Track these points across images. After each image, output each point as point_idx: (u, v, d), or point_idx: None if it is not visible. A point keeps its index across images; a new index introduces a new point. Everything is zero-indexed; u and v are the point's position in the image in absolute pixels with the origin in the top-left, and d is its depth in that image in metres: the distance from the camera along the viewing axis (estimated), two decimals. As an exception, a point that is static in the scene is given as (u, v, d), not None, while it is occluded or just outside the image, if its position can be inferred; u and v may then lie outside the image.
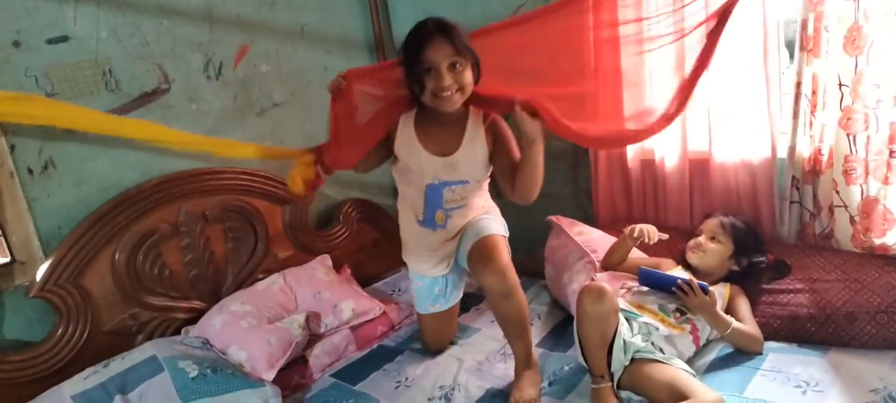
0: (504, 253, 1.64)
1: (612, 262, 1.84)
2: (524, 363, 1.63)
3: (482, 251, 1.61)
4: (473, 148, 1.62)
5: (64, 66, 1.72)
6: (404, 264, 1.90)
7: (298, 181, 1.66)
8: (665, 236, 1.76)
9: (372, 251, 2.43)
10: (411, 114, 1.63)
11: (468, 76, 1.50)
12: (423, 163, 1.62)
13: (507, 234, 1.74)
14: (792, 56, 1.76)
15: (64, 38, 1.71)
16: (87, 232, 1.72)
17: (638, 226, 1.76)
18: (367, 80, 1.60)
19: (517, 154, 1.58)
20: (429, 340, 1.89)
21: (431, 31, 1.45)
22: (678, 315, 1.62)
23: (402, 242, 1.85)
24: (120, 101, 1.82)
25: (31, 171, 1.69)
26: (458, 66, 1.47)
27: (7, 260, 1.67)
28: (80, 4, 1.72)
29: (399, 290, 2.32)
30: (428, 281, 1.82)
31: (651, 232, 1.74)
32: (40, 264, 1.68)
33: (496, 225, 1.71)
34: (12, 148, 1.65)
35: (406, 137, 1.62)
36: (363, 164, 1.68)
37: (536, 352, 1.80)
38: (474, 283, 2.26)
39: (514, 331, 1.63)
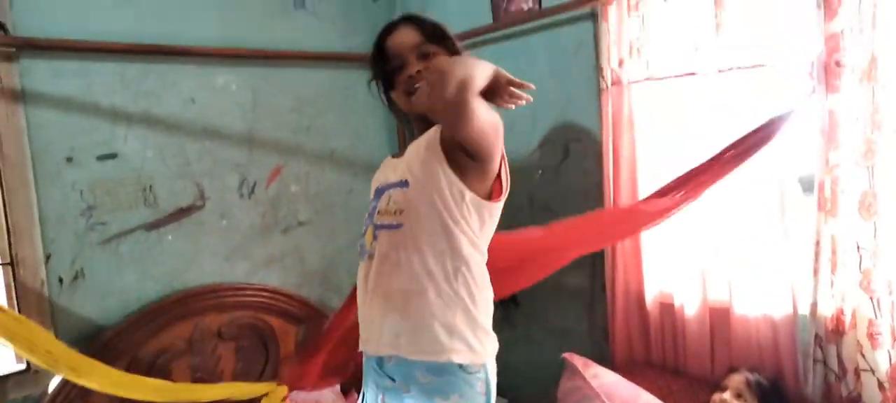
0: None
1: None
2: None
3: None
4: (422, 141, 1.14)
5: (108, 182, 1.82)
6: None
7: None
8: None
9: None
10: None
11: (440, 62, 1.12)
12: (380, 168, 1.27)
13: None
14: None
15: (112, 156, 1.83)
16: (104, 347, 1.74)
17: None
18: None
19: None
20: None
21: (396, 21, 1.17)
22: None
23: None
24: (155, 216, 1.90)
25: (61, 281, 1.74)
26: (429, 54, 1.14)
27: (23, 367, 1.69)
28: (132, 126, 1.86)
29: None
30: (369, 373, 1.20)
31: None
32: (54, 376, 1.68)
33: None
34: (48, 257, 1.72)
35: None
36: None
37: None
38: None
39: None
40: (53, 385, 1.66)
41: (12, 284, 1.68)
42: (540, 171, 2.26)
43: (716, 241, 1.89)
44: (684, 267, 1.95)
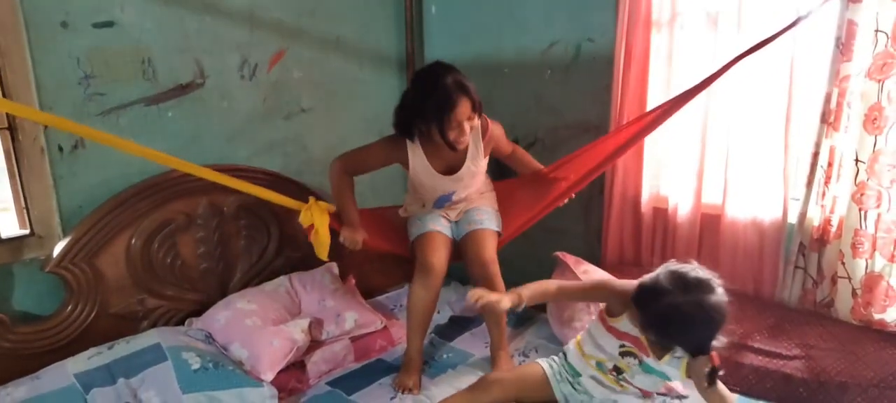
0: (491, 246, 1.90)
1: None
2: (499, 346, 1.89)
3: (476, 241, 1.90)
4: (475, 163, 1.89)
5: (105, 51, 1.76)
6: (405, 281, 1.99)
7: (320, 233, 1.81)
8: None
9: (378, 264, 2.45)
10: (416, 144, 1.82)
11: (476, 123, 1.77)
12: (436, 182, 1.89)
13: (500, 228, 1.99)
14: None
15: (109, 24, 1.76)
16: (108, 214, 1.75)
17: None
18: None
19: (508, 148, 2.01)
20: (430, 256, 1.85)
21: (455, 90, 1.66)
22: (615, 373, 1.56)
23: (407, 211, 2.04)
24: (154, 90, 1.86)
25: (61, 149, 1.72)
26: (474, 119, 1.73)
27: (26, 232, 1.70)
28: (129, -7, 1.77)
29: (401, 306, 2.34)
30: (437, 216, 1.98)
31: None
32: (58, 240, 1.70)
33: (490, 220, 1.96)
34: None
35: (420, 166, 1.85)
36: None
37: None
38: (470, 307, 2.31)
39: (494, 317, 1.88)
40: (58, 248, 1.68)
41: (11, 150, 1.66)
42: (549, 71, 2.24)
43: (716, 147, 1.93)
44: (682, 171, 1.99)
